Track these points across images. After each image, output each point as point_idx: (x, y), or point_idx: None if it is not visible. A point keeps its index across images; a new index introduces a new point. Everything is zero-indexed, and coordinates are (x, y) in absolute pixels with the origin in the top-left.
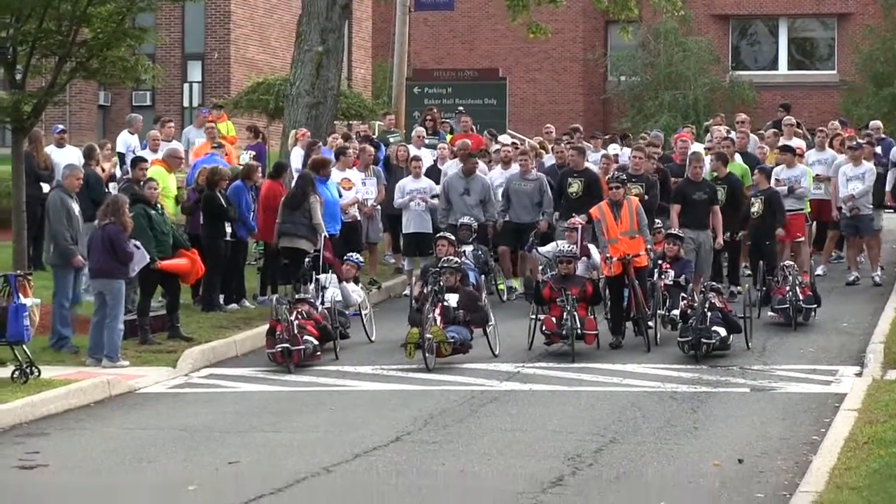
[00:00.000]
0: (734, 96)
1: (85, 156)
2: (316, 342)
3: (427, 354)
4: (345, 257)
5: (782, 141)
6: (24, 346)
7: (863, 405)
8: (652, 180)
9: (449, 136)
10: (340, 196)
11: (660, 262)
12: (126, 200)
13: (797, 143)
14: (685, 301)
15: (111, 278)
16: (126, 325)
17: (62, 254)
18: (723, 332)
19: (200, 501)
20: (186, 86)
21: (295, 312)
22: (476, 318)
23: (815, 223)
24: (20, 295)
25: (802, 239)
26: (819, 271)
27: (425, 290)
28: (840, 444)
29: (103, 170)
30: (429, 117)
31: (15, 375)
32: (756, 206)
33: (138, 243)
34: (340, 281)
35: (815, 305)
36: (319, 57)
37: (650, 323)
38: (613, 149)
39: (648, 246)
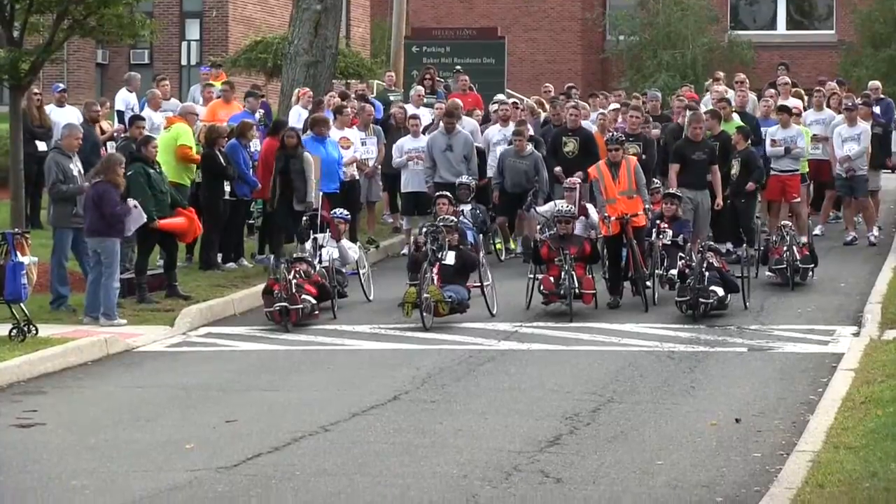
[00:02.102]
0: (733, 56)
1: (85, 116)
2: (314, 301)
3: (424, 314)
4: (331, 214)
5: (779, 101)
6: (22, 305)
7: (860, 365)
8: (650, 139)
9: (447, 96)
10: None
11: (658, 221)
12: (121, 160)
13: (794, 103)
14: (683, 261)
15: (104, 237)
16: (124, 284)
17: (67, 197)
18: (720, 291)
19: (198, 460)
20: (184, 44)
21: (293, 271)
22: (468, 256)
23: (812, 183)
24: (18, 253)
25: (799, 199)
26: (817, 231)
27: (423, 249)
28: (837, 404)
29: (102, 130)
30: (427, 76)
31: (13, 334)
32: (734, 168)
33: (136, 203)
34: (338, 240)
35: (813, 265)
36: (318, 15)
37: (648, 283)
38: (613, 107)
39: (646, 206)
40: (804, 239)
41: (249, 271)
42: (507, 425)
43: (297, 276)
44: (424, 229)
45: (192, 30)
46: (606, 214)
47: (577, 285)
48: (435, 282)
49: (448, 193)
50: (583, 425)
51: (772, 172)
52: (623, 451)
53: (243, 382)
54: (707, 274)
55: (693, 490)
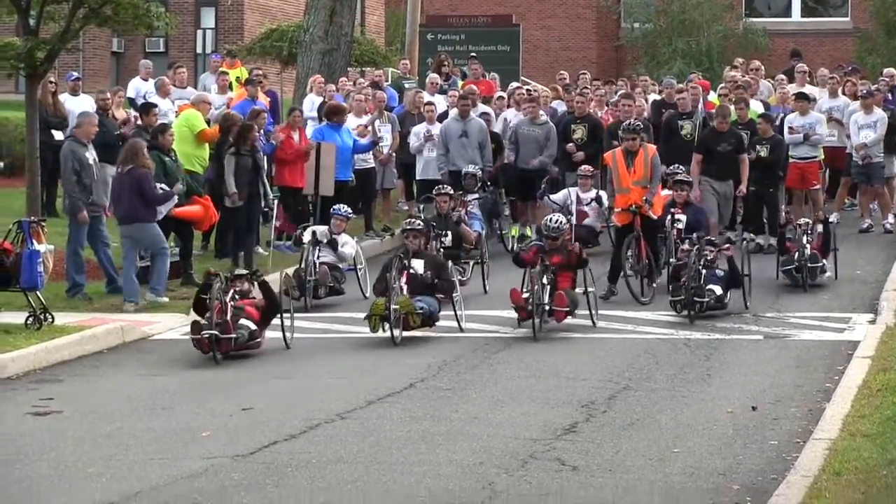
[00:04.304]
0: (747, 43)
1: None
2: (254, 327)
3: (394, 328)
4: (332, 210)
5: (794, 88)
6: (38, 293)
7: (876, 353)
8: (645, 125)
9: (461, 83)
10: (356, 142)
11: (672, 209)
12: (143, 144)
13: (810, 90)
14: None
15: (142, 222)
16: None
17: (72, 206)
18: (718, 290)
19: (214, 448)
20: (200, 32)
21: (231, 291)
22: (443, 284)
23: (828, 170)
24: (34, 241)
25: (818, 186)
26: (832, 219)
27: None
28: (853, 392)
29: (115, 118)
30: (443, 64)
31: (29, 322)
32: (763, 152)
33: (164, 186)
34: (336, 234)
35: (823, 263)
36: (333, 3)
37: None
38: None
39: (647, 196)
40: (819, 228)
41: (264, 259)
42: (523, 413)
43: (236, 296)
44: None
45: (208, 18)
46: (613, 205)
47: (546, 300)
48: (404, 291)
49: (449, 190)
50: (599, 413)
51: (790, 160)
52: (639, 439)
53: (258, 370)
54: (704, 272)
55: (709, 478)
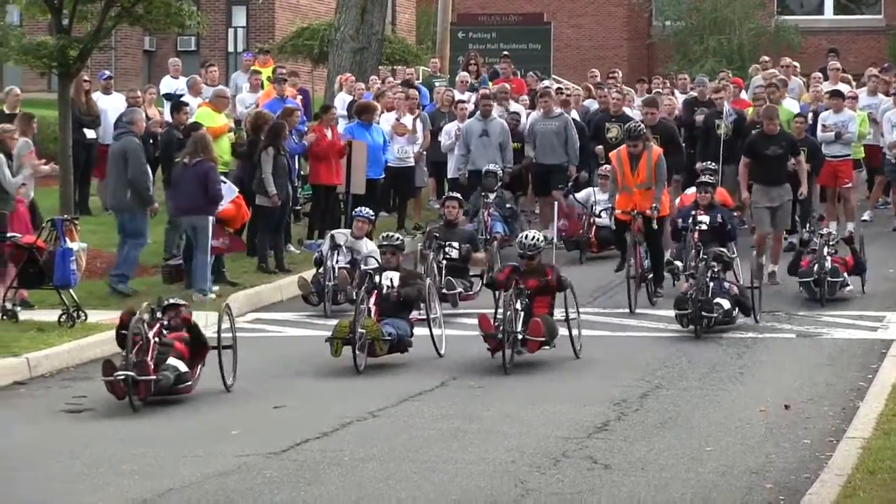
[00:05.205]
0: (780, 41)
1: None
2: (184, 368)
3: (358, 353)
4: (354, 213)
5: (828, 86)
6: (71, 291)
7: None
8: (669, 130)
9: (491, 83)
10: (386, 142)
11: (693, 211)
12: (211, 137)
13: (843, 88)
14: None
15: (203, 214)
16: (172, 271)
17: (143, 201)
18: (726, 304)
19: (247, 445)
20: (231, 31)
21: (157, 325)
22: (408, 291)
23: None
24: (67, 239)
25: (850, 185)
26: (865, 216)
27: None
28: (887, 391)
29: (148, 117)
30: (472, 62)
31: (62, 320)
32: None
33: (224, 178)
34: (358, 238)
35: (845, 276)
36: (364, 2)
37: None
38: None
39: (654, 203)
40: (851, 226)
41: (296, 257)
42: (554, 411)
43: (165, 331)
44: (428, 240)
45: (239, 16)
46: (613, 206)
47: (520, 328)
48: (372, 314)
49: (458, 196)
50: (631, 411)
51: (823, 158)
52: (671, 438)
53: (291, 368)
54: (711, 285)
55: (742, 476)
